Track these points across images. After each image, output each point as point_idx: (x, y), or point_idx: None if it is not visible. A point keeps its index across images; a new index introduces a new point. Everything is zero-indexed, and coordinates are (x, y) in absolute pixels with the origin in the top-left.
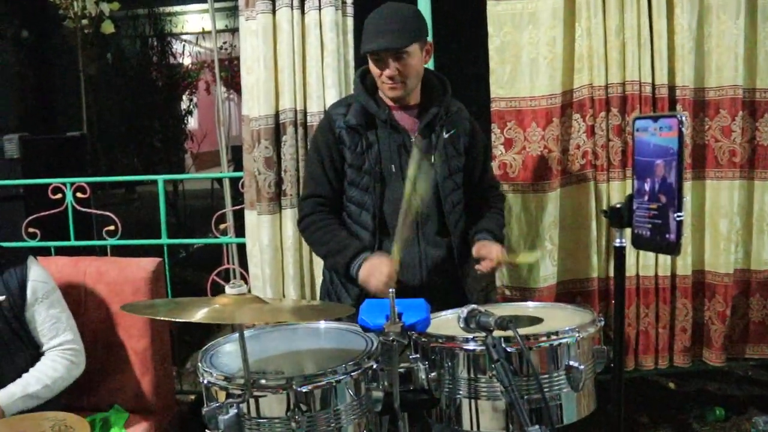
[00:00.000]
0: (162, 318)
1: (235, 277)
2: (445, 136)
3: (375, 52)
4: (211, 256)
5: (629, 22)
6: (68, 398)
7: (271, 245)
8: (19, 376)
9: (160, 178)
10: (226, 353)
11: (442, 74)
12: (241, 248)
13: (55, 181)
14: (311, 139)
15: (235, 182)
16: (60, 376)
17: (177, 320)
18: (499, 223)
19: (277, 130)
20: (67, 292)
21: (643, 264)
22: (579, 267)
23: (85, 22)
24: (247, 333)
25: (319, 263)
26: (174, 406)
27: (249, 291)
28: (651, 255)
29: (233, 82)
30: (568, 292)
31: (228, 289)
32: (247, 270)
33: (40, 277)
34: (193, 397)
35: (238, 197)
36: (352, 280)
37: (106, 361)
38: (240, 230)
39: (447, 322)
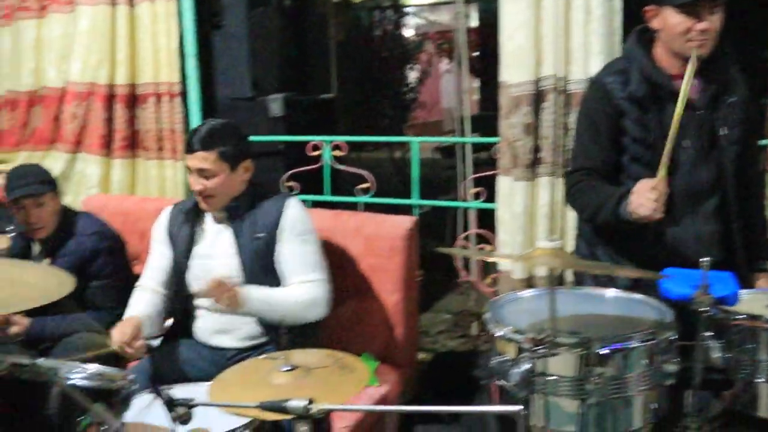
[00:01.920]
0: (475, 257)
1: (477, 243)
2: (730, 101)
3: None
4: (434, 223)
5: None
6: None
7: (524, 212)
8: None
9: (415, 140)
10: (512, 309)
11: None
12: (482, 214)
13: (315, 139)
14: (581, 110)
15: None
16: (302, 300)
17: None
18: None
19: (537, 97)
20: (325, 242)
21: None
22: None
23: None
24: (532, 293)
25: (571, 234)
26: (416, 362)
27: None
28: None
29: (456, 55)
30: None
31: (543, 243)
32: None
33: (298, 215)
34: (423, 355)
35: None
36: (626, 226)
37: (359, 311)
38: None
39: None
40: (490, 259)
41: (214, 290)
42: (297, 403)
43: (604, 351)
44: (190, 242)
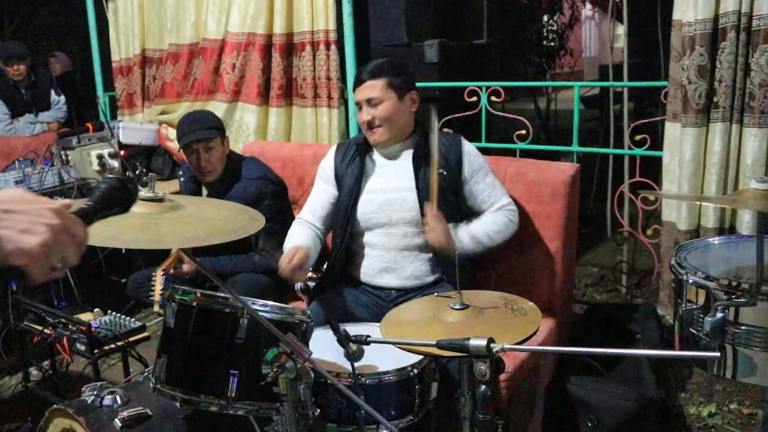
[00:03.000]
0: (698, 201)
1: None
2: None
3: None
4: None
5: None
6: (480, 285)
7: (693, 160)
8: None
9: (577, 85)
10: (701, 255)
11: None
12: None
13: (472, 85)
14: None
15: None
16: (498, 229)
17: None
18: None
19: (714, 36)
20: None
21: None
22: None
23: None
24: (722, 239)
25: (742, 184)
26: (572, 312)
27: None
28: None
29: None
30: None
31: (755, 184)
32: (659, 184)
33: (473, 151)
34: (585, 306)
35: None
36: None
37: (519, 258)
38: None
39: None
40: (687, 199)
41: (434, 223)
42: (478, 342)
43: None
44: (360, 178)
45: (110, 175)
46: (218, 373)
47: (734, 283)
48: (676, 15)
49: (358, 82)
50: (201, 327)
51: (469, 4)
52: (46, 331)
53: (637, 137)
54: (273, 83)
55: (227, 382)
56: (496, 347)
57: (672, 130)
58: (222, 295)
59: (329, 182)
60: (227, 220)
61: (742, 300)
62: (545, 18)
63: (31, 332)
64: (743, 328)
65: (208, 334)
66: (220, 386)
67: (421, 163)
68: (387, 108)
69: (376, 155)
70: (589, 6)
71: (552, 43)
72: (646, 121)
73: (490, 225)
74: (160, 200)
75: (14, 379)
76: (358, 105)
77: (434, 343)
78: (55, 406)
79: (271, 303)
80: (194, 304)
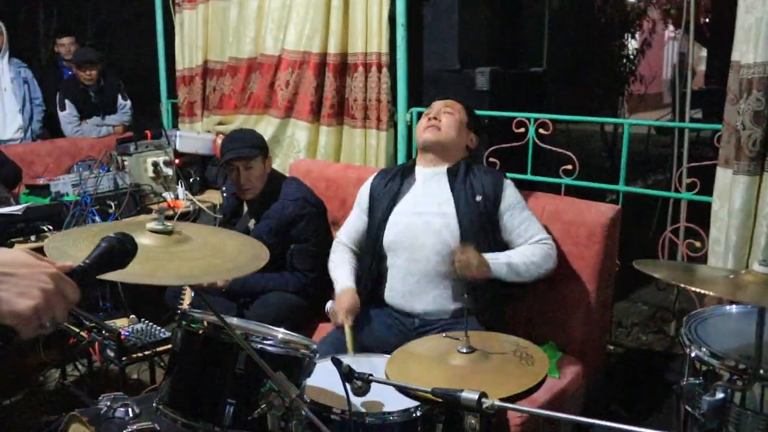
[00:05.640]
0: (674, 282)
1: (686, 238)
2: None
3: None
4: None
5: None
6: (509, 329)
7: (743, 209)
8: None
9: (627, 122)
10: (713, 326)
11: None
12: (695, 208)
13: (520, 115)
14: None
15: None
16: (536, 261)
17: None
18: None
19: None
20: None
21: None
22: None
23: None
24: (742, 309)
25: None
26: (604, 356)
27: None
28: None
29: (681, 22)
30: None
31: (757, 267)
32: (705, 232)
33: (512, 188)
34: (622, 350)
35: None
36: None
37: (550, 299)
38: (704, 188)
39: None
40: (687, 287)
41: (464, 255)
42: (469, 395)
43: None
44: (394, 198)
45: (111, 234)
46: (216, 401)
47: (741, 366)
48: (735, 56)
49: (442, 98)
50: (205, 355)
51: (529, 30)
52: (82, 333)
53: (688, 180)
54: (325, 102)
55: (224, 410)
56: (486, 403)
57: (723, 176)
58: (231, 324)
59: (362, 209)
60: (228, 257)
61: (739, 385)
62: (626, 37)
63: (69, 333)
64: (747, 412)
65: (211, 362)
66: (218, 414)
67: (459, 189)
68: (456, 121)
69: (417, 177)
70: (671, 28)
71: (627, 66)
72: (699, 164)
73: (528, 255)
74: (169, 233)
75: (57, 372)
76: (431, 110)
77: (430, 390)
78: (72, 412)
79: (281, 333)
80: (200, 332)
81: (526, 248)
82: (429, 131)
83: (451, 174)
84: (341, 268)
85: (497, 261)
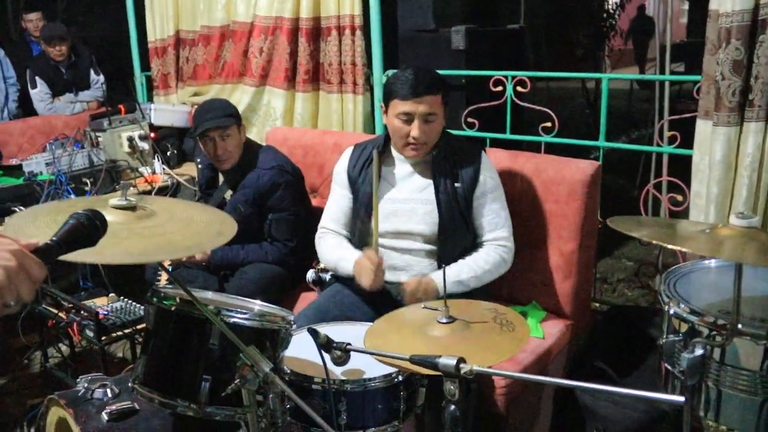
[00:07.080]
0: (648, 240)
1: (668, 191)
2: None
3: None
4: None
5: None
6: (489, 287)
7: (724, 161)
8: (462, 257)
9: (605, 77)
10: (692, 281)
11: None
12: (679, 162)
13: (497, 74)
14: None
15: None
16: (489, 269)
17: (669, 246)
18: None
19: (753, 29)
20: (502, 184)
21: None
22: None
23: None
24: (721, 263)
25: None
26: (589, 313)
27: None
28: None
29: None
30: None
31: (734, 219)
32: (687, 185)
33: (491, 172)
34: (606, 307)
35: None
36: None
37: (532, 258)
38: (686, 141)
39: None
40: (662, 244)
41: (415, 290)
42: (447, 361)
43: None
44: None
45: (80, 211)
46: (192, 378)
47: (720, 321)
48: (713, 5)
49: (414, 93)
50: (178, 332)
51: None
52: (60, 315)
53: (668, 133)
54: (299, 68)
55: (200, 387)
56: (464, 368)
57: (703, 128)
58: (203, 298)
59: (345, 187)
60: (189, 234)
61: (718, 341)
62: None
63: (48, 315)
64: (727, 368)
65: (184, 339)
66: (194, 391)
67: (440, 176)
68: (439, 126)
69: (395, 161)
70: None
71: (606, 23)
72: (678, 117)
73: (481, 264)
74: (132, 208)
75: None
76: (407, 116)
77: (408, 357)
78: (51, 395)
79: (258, 306)
80: (173, 309)
81: (479, 256)
82: (412, 151)
83: (434, 162)
84: (341, 250)
85: (448, 281)
